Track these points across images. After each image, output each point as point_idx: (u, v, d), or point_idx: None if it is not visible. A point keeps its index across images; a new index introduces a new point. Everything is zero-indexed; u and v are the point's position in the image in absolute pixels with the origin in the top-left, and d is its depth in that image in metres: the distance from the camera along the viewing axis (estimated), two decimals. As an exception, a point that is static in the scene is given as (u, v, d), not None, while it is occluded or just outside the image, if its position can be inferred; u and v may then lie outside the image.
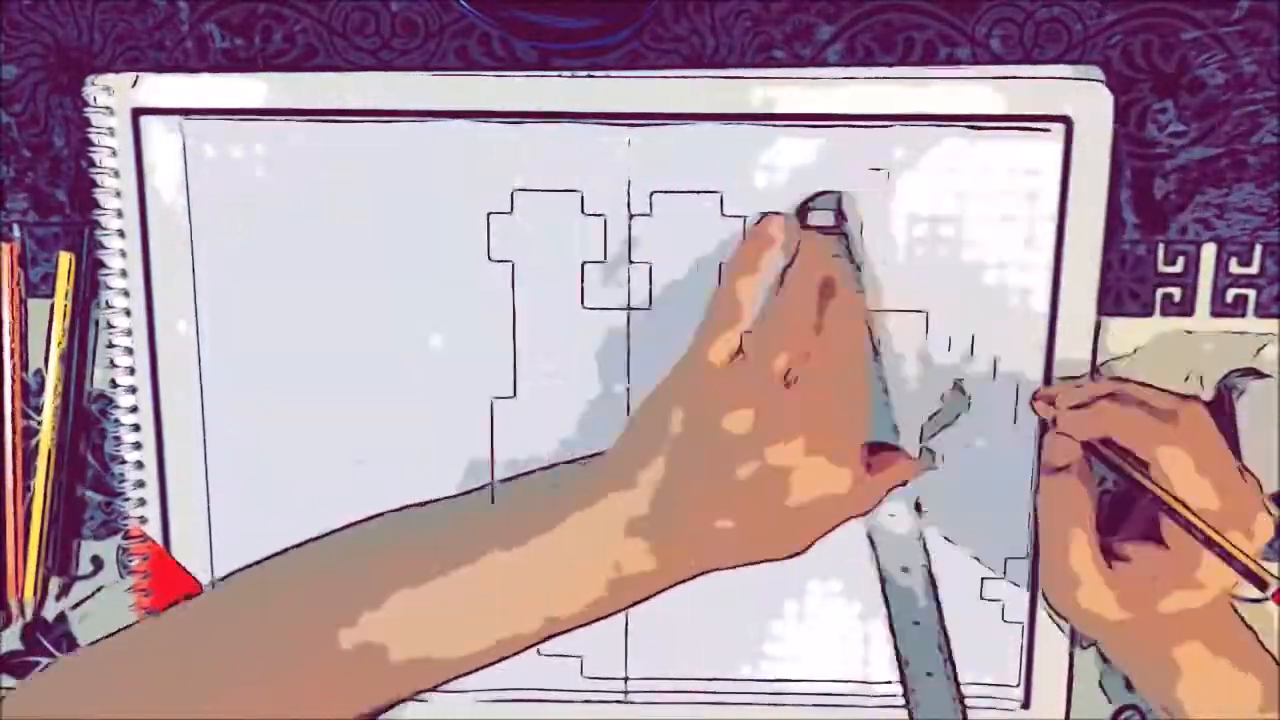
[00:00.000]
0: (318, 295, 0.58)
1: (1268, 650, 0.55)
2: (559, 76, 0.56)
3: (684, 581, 0.53)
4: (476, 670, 0.52)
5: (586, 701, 0.61)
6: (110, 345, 0.58)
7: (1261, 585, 0.49)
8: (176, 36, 0.57)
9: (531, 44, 0.56)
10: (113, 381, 0.59)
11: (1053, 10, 0.55)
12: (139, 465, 0.59)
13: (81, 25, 0.57)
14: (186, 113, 0.56)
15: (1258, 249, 0.58)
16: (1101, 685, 0.60)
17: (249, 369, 0.59)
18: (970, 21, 0.55)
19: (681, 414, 0.51)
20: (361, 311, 0.58)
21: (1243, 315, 0.58)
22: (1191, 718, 0.52)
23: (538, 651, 0.60)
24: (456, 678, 0.52)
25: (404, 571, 0.52)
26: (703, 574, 0.53)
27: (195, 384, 0.59)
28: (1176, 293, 0.58)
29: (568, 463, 0.57)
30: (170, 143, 0.57)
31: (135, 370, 0.59)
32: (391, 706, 0.53)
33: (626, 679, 0.61)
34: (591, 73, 0.56)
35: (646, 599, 0.53)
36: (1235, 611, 0.55)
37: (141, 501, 0.60)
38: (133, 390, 0.59)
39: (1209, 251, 0.58)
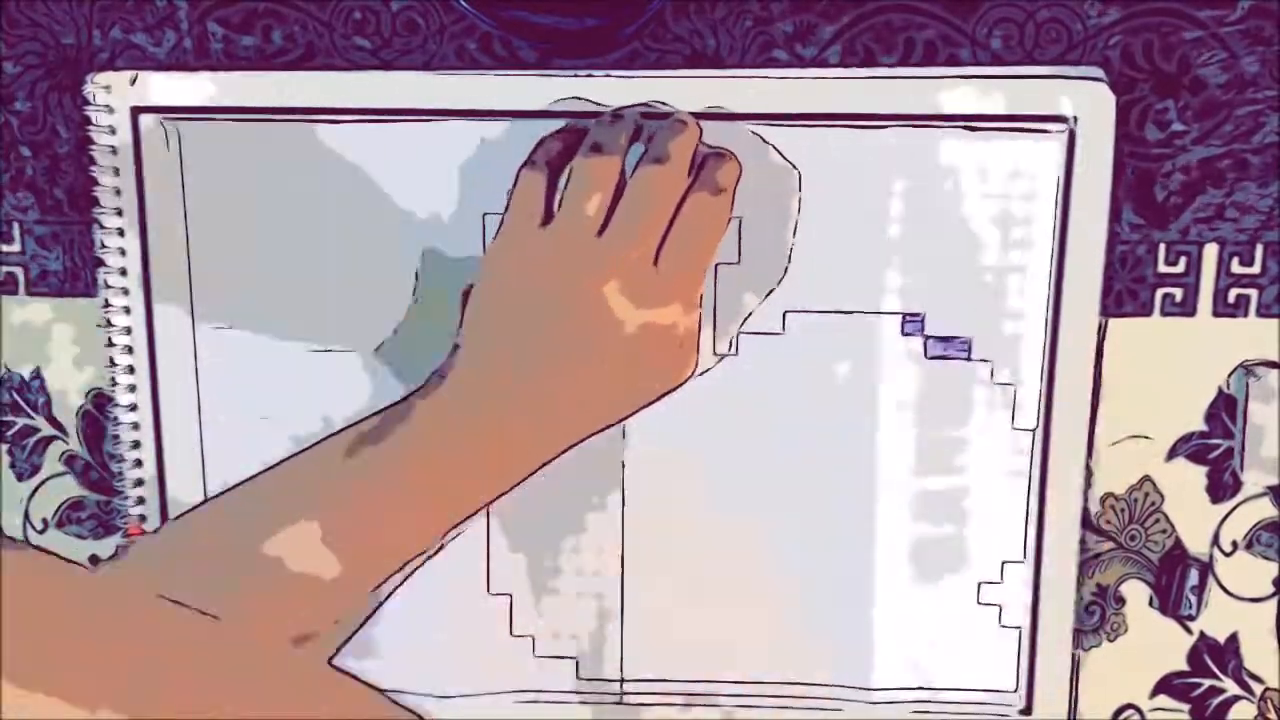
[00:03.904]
0: (315, 295, 0.58)
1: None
2: (559, 76, 0.56)
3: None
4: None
5: (582, 703, 0.61)
6: (109, 345, 0.58)
7: None
8: (176, 35, 0.57)
9: (531, 44, 0.56)
10: (112, 380, 0.59)
11: (1053, 10, 0.55)
12: (138, 464, 0.59)
13: (80, 23, 0.57)
14: (185, 111, 0.56)
15: (1259, 249, 0.57)
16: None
17: (247, 370, 0.59)
18: (970, 21, 0.55)
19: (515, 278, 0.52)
20: (358, 311, 0.58)
21: (1245, 315, 0.58)
22: None
23: (533, 652, 0.61)
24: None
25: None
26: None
27: (193, 384, 0.59)
28: (1178, 293, 0.58)
29: None
30: (169, 141, 0.57)
31: (134, 370, 0.59)
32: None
33: (622, 680, 0.61)
34: (591, 72, 0.56)
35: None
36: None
37: (140, 500, 0.59)
38: (132, 389, 0.59)
39: (1210, 252, 0.57)
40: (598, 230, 0.51)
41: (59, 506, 0.62)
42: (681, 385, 0.54)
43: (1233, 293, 0.58)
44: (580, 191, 0.52)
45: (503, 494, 0.53)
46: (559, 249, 0.52)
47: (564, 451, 0.53)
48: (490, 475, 0.52)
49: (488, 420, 0.51)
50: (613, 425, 0.54)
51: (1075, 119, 0.55)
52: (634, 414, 0.54)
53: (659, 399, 0.54)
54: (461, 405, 0.51)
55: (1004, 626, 0.59)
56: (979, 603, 0.59)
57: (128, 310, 0.58)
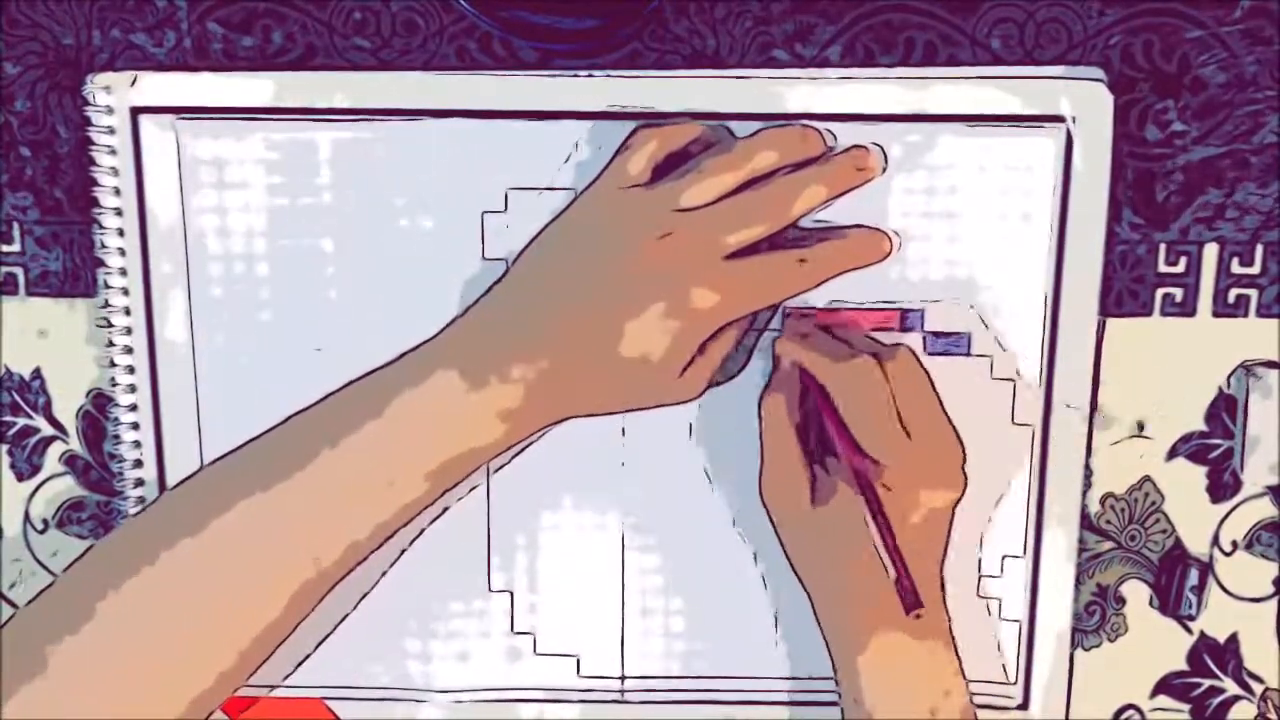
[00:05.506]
0: (315, 295, 0.58)
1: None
2: (559, 76, 0.56)
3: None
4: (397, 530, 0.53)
5: (583, 701, 0.61)
6: (109, 345, 0.58)
7: (905, 593, 0.50)
8: (176, 35, 0.57)
9: (531, 44, 0.56)
10: (112, 381, 0.59)
11: (1053, 10, 0.55)
12: (138, 465, 0.59)
13: (80, 23, 0.57)
14: (185, 111, 0.56)
15: (1259, 249, 0.57)
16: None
17: (247, 370, 0.59)
18: (970, 21, 0.55)
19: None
20: (358, 310, 0.58)
21: (1245, 315, 0.58)
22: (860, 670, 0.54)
23: (534, 650, 0.61)
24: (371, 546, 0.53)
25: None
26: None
27: (193, 384, 0.59)
28: (1178, 293, 0.58)
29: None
30: (168, 141, 0.57)
31: (134, 370, 0.59)
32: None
33: (623, 678, 0.61)
34: (591, 72, 0.56)
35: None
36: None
37: (140, 500, 0.59)
38: (132, 390, 0.59)
39: (1210, 252, 0.57)
40: (684, 209, 0.52)
41: (59, 506, 0.62)
42: (670, 401, 0.54)
43: (1233, 293, 0.58)
44: (696, 173, 0.53)
45: (488, 458, 0.53)
46: (644, 205, 0.52)
47: (547, 425, 0.54)
48: (478, 429, 0.52)
49: (487, 358, 0.52)
50: (595, 413, 0.54)
51: (1074, 119, 0.55)
52: (617, 411, 0.55)
53: (645, 398, 0.54)
54: (465, 343, 0.53)
55: (1003, 620, 0.60)
56: (978, 596, 0.59)
57: (128, 310, 0.58)
